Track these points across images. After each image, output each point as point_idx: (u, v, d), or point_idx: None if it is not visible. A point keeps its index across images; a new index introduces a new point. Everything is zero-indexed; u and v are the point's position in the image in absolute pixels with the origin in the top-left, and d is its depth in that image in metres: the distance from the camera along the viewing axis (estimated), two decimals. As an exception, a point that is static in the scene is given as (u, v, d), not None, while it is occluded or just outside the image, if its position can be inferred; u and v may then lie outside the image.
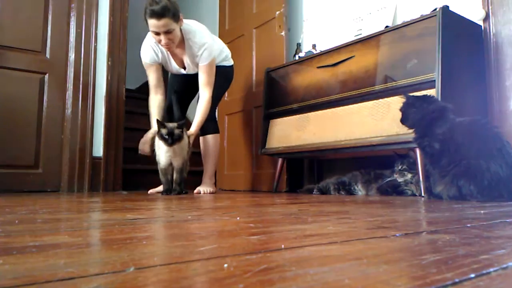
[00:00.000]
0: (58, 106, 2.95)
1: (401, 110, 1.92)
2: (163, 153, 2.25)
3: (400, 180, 2.13)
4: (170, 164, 2.28)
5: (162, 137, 2.16)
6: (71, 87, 2.99)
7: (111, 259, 0.44)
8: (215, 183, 3.03)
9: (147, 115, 2.69)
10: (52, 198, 1.95)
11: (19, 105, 2.79)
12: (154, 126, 2.36)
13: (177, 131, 2.17)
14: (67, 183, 2.89)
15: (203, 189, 2.60)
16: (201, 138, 2.75)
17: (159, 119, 2.31)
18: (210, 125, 2.72)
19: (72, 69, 2.99)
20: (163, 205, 1.39)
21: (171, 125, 2.19)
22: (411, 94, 1.92)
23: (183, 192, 2.51)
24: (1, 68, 2.75)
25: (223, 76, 2.76)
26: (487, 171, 1.61)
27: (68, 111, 2.96)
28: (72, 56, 3.00)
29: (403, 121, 1.91)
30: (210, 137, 2.73)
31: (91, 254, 0.48)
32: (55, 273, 0.37)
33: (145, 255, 0.46)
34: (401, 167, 2.13)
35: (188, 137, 2.47)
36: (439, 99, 1.86)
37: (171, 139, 2.14)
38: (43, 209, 1.20)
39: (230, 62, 2.86)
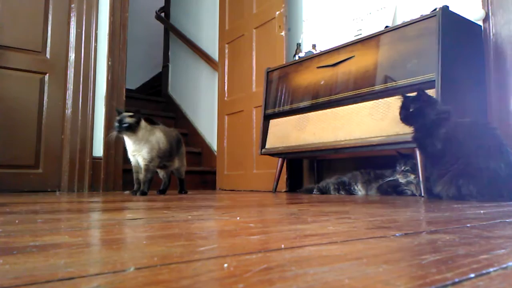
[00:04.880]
0: (58, 106, 2.95)
1: (403, 107, 1.85)
2: (128, 149, 2.20)
3: (402, 180, 2.12)
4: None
5: (114, 125, 2.11)
6: (71, 87, 2.99)
7: (111, 259, 0.44)
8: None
9: (147, 115, 2.69)
10: (52, 198, 1.95)
11: (19, 105, 2.79)
12: None
13: (128, 120, 2.09)
14: (67, 183, 2.89)
15: None
16: None
17: None
18: None
19: (72, 69, 2.99)
20: (163, 205, 1.39)
21: (125, 113, 2.14)
22: (409, 94, 1.91)
23: (184, 192, 2.51)
24: (1, 68, 2.75)
25: None
26: (487, 170, 1.61)
27: (68, 111, 2.96)
28: (72, 56, 3.00)
29: (406, 118, 1.84)
30: None
31: (91, 254, 0.48)
32: (55, 273, 0.37)
33: (145, 255, 0.46)
34: (405, 168, 2.12)
35: (179, 135, 2.44)
36: (439, 99, 1.86)
37: (119, 127, 2.07)
38: (43, 209, 1.20)
39: None
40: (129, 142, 2.16)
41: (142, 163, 2.18)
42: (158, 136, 2.25)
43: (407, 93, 1.91)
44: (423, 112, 1.77)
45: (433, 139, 1.76)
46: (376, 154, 2.51)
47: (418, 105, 1.79)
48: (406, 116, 1.85)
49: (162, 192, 2.42)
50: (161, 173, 2.45)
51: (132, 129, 2.09)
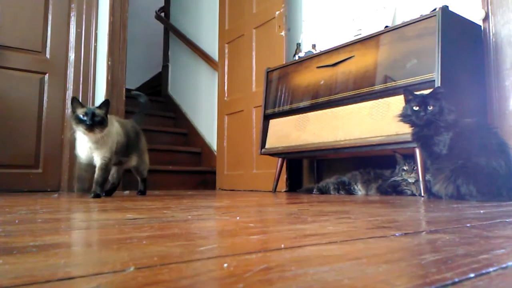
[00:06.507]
0: (58, 106, 2.95)
1: (421, 103, 1.76)
2: (82, 144, 1.83)
3: (411, 180, 2.11)
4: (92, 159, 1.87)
5: (78, 119, 1.73)
6: (71, 87, 2.99)
7: (111, 259, 0.44)
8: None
9: (147, 115, 2.68)
10: (52, 198, 1.95)
11: (19, 105, 2.79)
12: None
13: (99, 112, 1.76)
14: (67, 183, 2.89)
15: None
16: None
17: None
18: None
19: (72, 69, 3.00)
20: (163, 205, 1.39)
21: (92, 107, 1.83)
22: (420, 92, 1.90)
23: (141, 192, 2.22)
24: (1, 68, 2.75)
25: None
26: (487, 168, 1.61)
27: (68, 111, 2.96)
28: (72, 56, 3.00)
29: (423, 116, 1.74)
30: None
31: (91, 254, 0.48)
32: (55, 273, 0.37)
33: (145, 255, 0.46)
34: (415, 167, 2.10)
35: (136, 127, 2.13)
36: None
37: (91, 120, 1.70)
38: (43, 209, 1.20)
39: None
40: (85, 137, 1.80)
41: (100, 161, 1.84)
42: (116, 126, 1.93)
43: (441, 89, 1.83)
44: (443, 111, 1.74)
45: (441, 138, 1.74)
46: (376, 154, 2.51)
47: (438, 103, 1.75)
48: (425, 113, 1.74)
49: (108, 193, 2.04)
50: (112, 171, 2.05)
51: (104, 124, 1.76)
